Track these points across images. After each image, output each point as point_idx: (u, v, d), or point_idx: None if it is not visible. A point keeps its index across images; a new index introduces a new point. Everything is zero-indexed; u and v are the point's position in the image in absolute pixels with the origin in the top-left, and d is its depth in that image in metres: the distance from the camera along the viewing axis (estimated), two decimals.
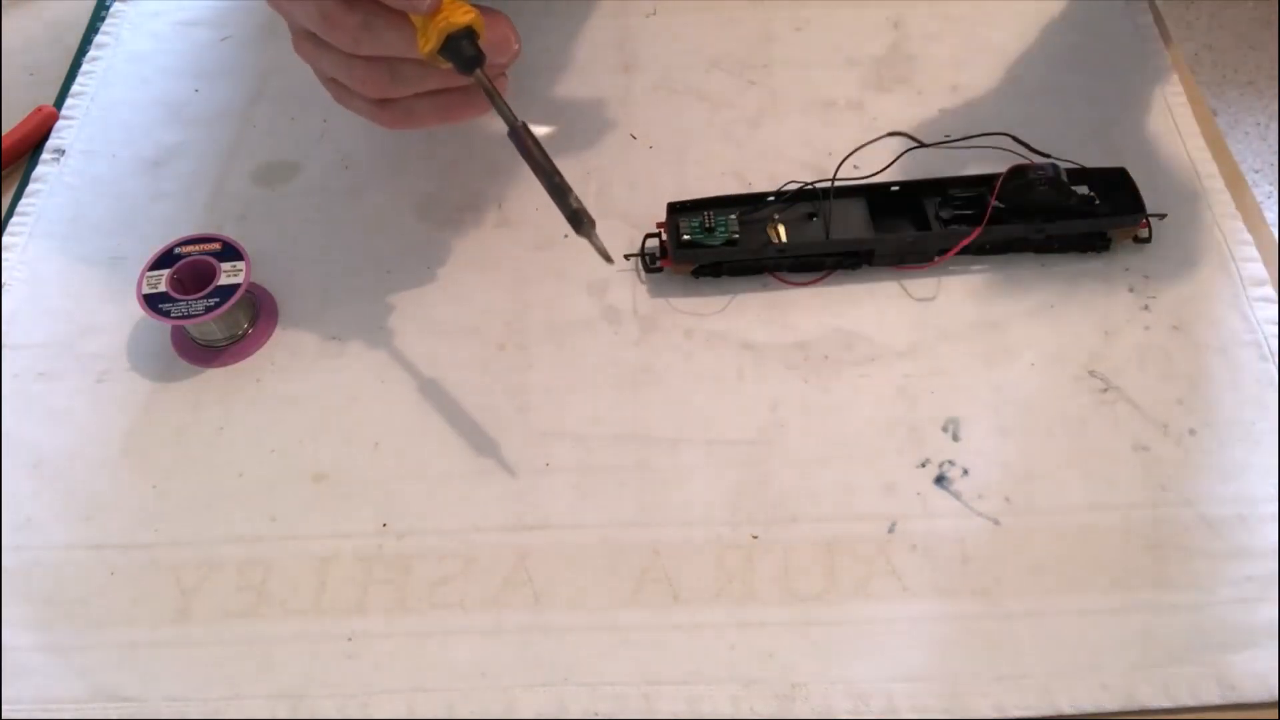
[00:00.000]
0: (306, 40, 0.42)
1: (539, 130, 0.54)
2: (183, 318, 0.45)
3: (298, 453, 0.45)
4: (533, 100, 0.55)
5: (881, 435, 0.44)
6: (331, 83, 0.44)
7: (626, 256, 0.49)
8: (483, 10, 0.39)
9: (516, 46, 0.41)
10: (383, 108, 0.43)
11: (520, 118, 0.40)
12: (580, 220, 0.40)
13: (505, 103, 0.40)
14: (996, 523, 0.41)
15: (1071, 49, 0.57)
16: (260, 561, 0.42)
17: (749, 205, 0.49)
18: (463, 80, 0.40)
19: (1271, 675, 0.38)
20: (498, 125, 0.40)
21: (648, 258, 0.49)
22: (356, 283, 0.50)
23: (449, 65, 0.39)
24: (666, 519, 0.42)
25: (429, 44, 0.38)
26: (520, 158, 0.40)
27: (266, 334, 0.48)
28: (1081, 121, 0.53)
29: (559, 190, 0.40)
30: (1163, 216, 0.49)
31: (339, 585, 0.41)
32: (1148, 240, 0.48)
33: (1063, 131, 0.52)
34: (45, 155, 0.55)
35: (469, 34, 0.39)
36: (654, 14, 0.60)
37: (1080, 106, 0.54)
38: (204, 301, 0.45)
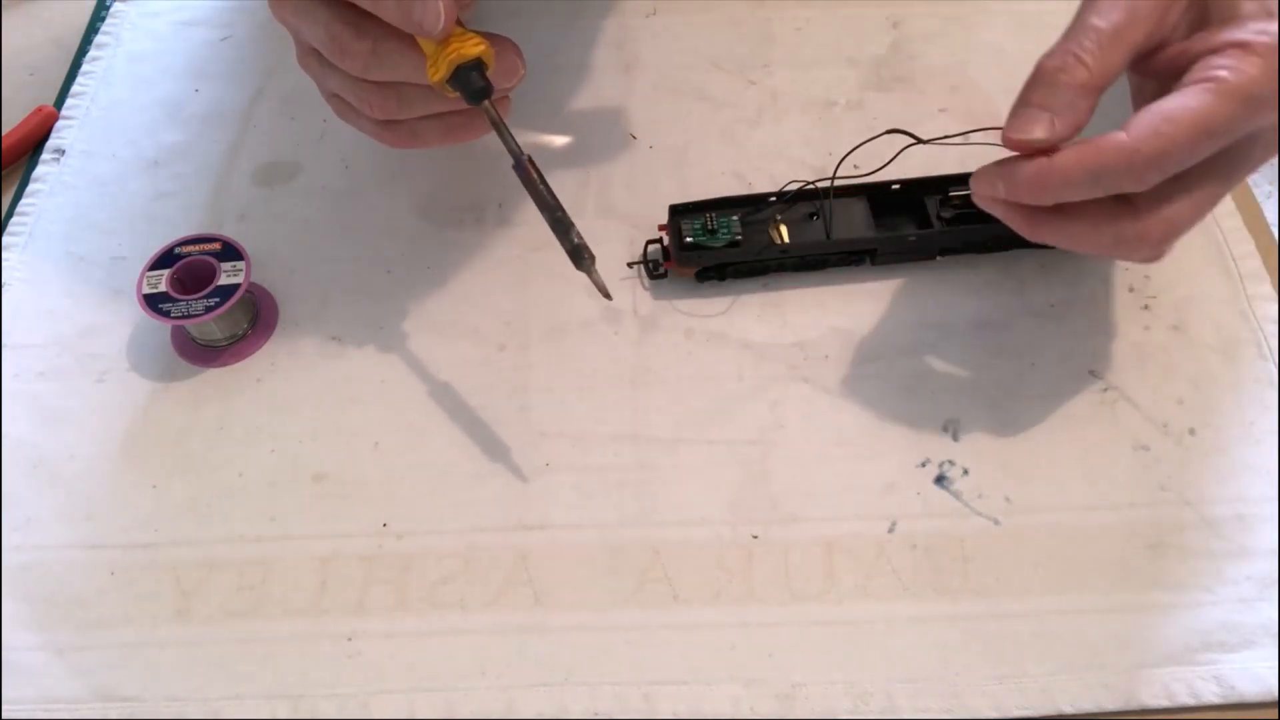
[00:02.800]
0: (312, 57, 0.42)
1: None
2: (183, 318, 0.45)
3: (298, 453, 0.45)
4: (533, 100, 0.55)
5: (881, 435, 0.44)
6: (335, 99, 0.44)
7: (630, 265, 0.49)
8: (490, 37, 0.39)
9: (522, 72, 0.42)
10: (388, 128, 0.43)
11: (523, 121, 0.40)
12: (581, 256, 0.40)
13: (511, 135, 0.40)
14: (996, 523, 0.41)
15: None
16: (260, 561, 0.42)
17: (750, 206, 0.49)
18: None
19: (1271, 675, 0.38)
20: None
21: (651, 264, 0.49)
22: (356, 283, 0.50)
23: (456, 95, 0.39)
24: (666, 519, 0.42)
25: (439, 74, 0.38)
26: None
27: (266, 334, 0.48)
28: None
29: (561, 225, 0.40)
30: None
31: (339, 585, 0.41)
32: None
33: None
34: (45, 155, 0.55)
35: (478, 65, 0.39)
36: (654, 14, 0.60)
37: None
38: (204, 301, 0.45)
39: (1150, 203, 0.36)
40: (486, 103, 0.39)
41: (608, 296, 0.42)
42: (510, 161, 0.40)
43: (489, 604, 0.41)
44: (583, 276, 0.49)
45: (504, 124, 0.40)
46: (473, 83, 0.39)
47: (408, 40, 0.39)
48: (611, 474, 0.43)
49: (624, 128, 0.55)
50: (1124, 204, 0.37)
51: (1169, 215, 0.36)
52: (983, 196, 0.39)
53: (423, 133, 0.43)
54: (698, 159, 0.53)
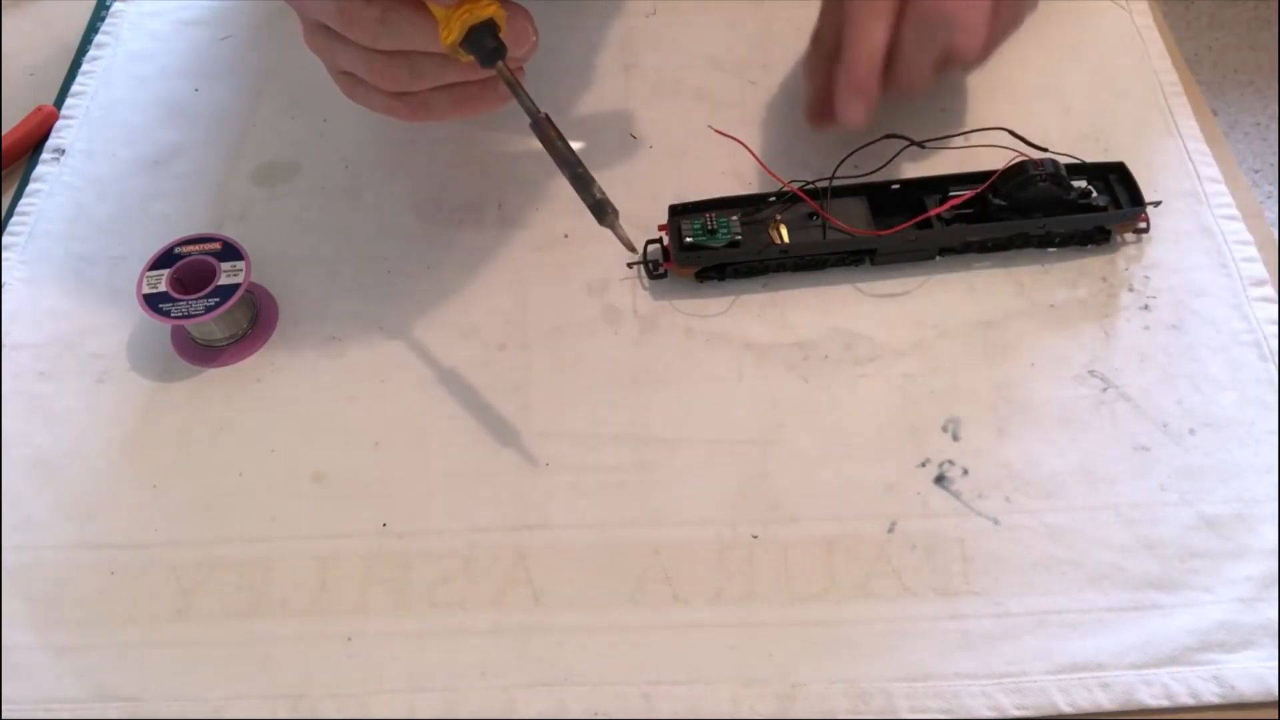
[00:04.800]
0: (319, 33, 0.42)
1: None
2: (183, 318, 0.45)
3: (298, 453, 0.45)
4: (533, 99, 0.55)
5: (881, 435, 0.44)
6: (344, 76, 0.44)
7: (629, 265, 0.49)
8: (502, 3, 0.40)
9: (534, 38, 0.42)
10: (400, 100, 0.43)
11: (523, 118, 0.40)
12: (604, 210, 0.40)
13: (527, 94, 0.40)
14: (996, 522, 0.41)
15: (1071, 48, 0.57)
16: (260, 561, 0.42)
17: (750, 206, 0.49)
18: (482, 73, 0.40)
19: (1271, 675, 0.38)
20: (501, 124, 0.40)
21: (650, 264, 0.49)
22: (356, 283, 0.50)
23: (470, 58, 0.39)
24: (666, 519, 0.42)
25: (451, 36, 0.38)
26: (525, 158, 0.40)
27: (266, 334, 0.48)
28: (1080, 122, 0.53)
29: (582, 181, 0.40)
30: (1158, 204, 0.49)
31: (339, 585, 0.41)
32: (1145, 230, 0.49)
33: (1062, 132, 0.52)
34: (45, 155, 0.55)
35: (491, 26, 0.39)
36: (654, 14, 0.60)
37: (1079, 107, 0.54)
38: (204, 301, 0.45)
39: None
40: (501, 63, 0.39)
41: (632, 250, 0.42)
42: (519, 133, 0.40)
43: (489, 604, 0.41)
44: (582, 277, 0.49)
45: (519, 84, 0.40)
46: (486, 44, 0.39)
47: (418, 6, 0.38)
48: (611, 474, 0.43)
49: (624, 128, 0.55)
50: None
51: None
52: (857, 116, 0.47)
53: (435, 104, 0.43)
54: (697, 159, 0.53)
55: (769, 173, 0.49)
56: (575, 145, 0.41)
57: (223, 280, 0.46)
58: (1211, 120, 0.54)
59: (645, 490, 0.43)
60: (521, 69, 0.43)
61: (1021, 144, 0.50)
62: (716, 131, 0.52)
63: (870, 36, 0.45)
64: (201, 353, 0.47)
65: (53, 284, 0.50)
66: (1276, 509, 0.41)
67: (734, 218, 0.48)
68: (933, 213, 0.47)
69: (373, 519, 0.43)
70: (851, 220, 0.48)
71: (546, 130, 0.40)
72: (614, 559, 0.41)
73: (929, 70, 0.46)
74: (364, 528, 0.42)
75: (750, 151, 0.50)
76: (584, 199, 0.40)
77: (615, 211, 0.40)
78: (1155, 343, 0.46)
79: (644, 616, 0.40)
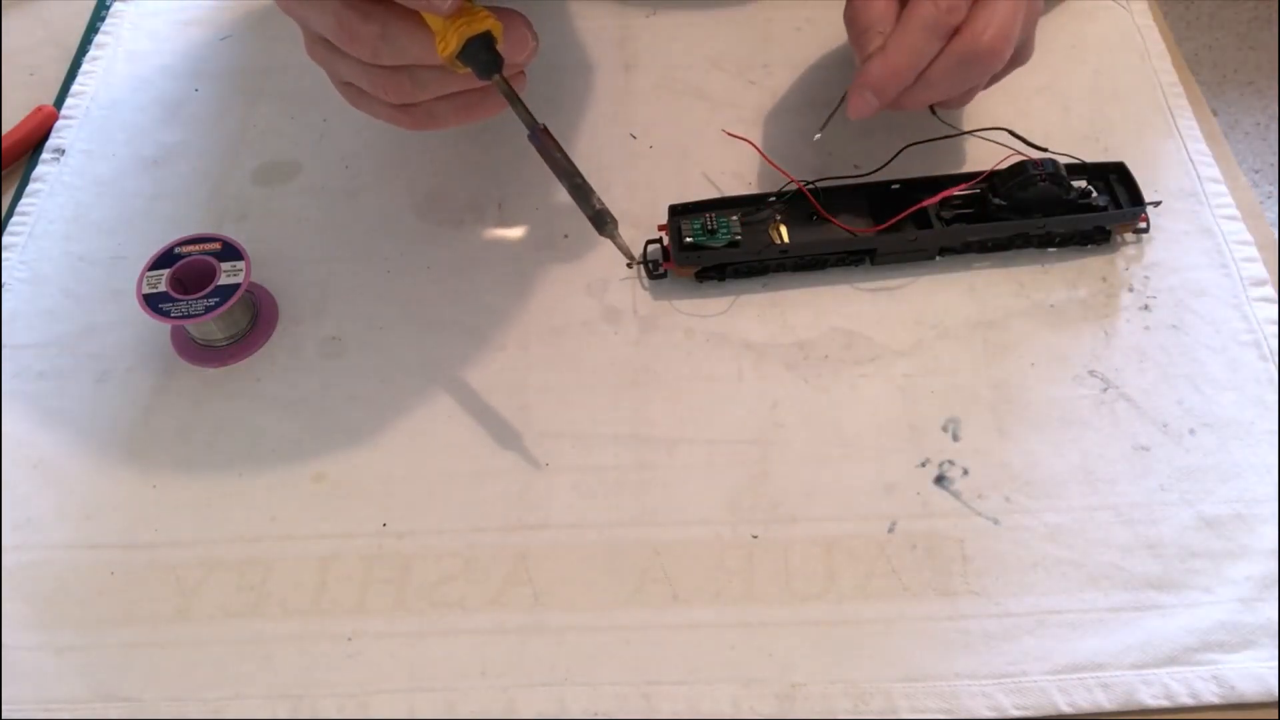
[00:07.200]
0: (320, 45, 0.42)
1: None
2: (183, 318, 0.45)
3: (298, 453, 0.45)
4: (532, 100, 0.55)
5: (881, 435, 0.44)
6: (347, 87, 0.44)
7: (629, 265, 0.49)
8: (500, 10, 0.40)
9: (534, 44, 0.42)
10: (403, 111, 0.43)
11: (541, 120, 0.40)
12: (604, 221, 0.40)
13: (525, 106, 0.40)
14: (996, 522, 0.41)
15: (1071, 49, 0.57)
16: (260, 561, 0.42)
17: (750, 206, 0.49)
18: (483, 81, 0.40)
19: (1271, 675, 0.38)
20: (501, 125, 0.40)
21: (650, 264, 0.49)
22: (356, 283, 0.50)
23: (467, 70, 0.39)
24: (666, 519, 0.42)
25: (448, 48, 0.38)
26: (525, 158, 0.40)
27: (266, 334, 0.48)
28: (1081, 122, 0.53)
29: (581, 191, 0.40)
30: (1158, 204, 0.49)
31: (339, 585, 0.41)
32: (1145, 230, 0.49)
33: (1062, 132, 0.52)
34: (45, 155, 0.55)
35: (487, 39, 0.39)
36: (654, 14, 0.60)
37: (1079, 107, 0.54)
38: (204, 301, 0.45)
39: (968, 22, 0.43)
40: (498, 75, 0.39)
41: (631, 259, 0.42)
42: (519, 139, 0.40)
43: (489, 604, 0.41)
44: (582, 277, 0.49)
45: (517, 96, 0.40)
46: (482, 56, 0.39)
47: (416, 20, 0.38)
48: (611, 474, 0.43)
49: (624, 127, 0.55)
50: (954, 35, 0.43)
51: (986, 18, 0.43)
52: (864, 112, 0.45)
53: (438, 113, 0.43)
54: (698, 159, 0.53)
55: (781, 171, 0.49)
56: (574, 152, 0.41)
57: (223, 280, 0.46)
58: (1211, 120, 0.54)
59: (645, 490, 0.43)
60: (523, 74, 0.43)
61: (1021, 144, 0.50)
62: (727, 133, 0.52)
63: (916, 52, 0.43)
64: (201, 353, 0.47)
65: (53, 284, 0.50)
66: (1276, 509, 0.41)
67: (734, 218, 0.48)
68: (927, 203, 0.47)
69: (373, 519, 0.43)
70: (852, 220, 0.48)
71: (545, 141, 0.40)
72: (614, 559, 0.41)
73: (951, 96, 0.45)
74: (364, 528, 0.42)
75: (761, 153, 0.50)
76: (583, 209, 0.40)
77: (614, 221, 0.40)
78: (1155, 343, 0.46)
79: (644, 616, 0.40)
